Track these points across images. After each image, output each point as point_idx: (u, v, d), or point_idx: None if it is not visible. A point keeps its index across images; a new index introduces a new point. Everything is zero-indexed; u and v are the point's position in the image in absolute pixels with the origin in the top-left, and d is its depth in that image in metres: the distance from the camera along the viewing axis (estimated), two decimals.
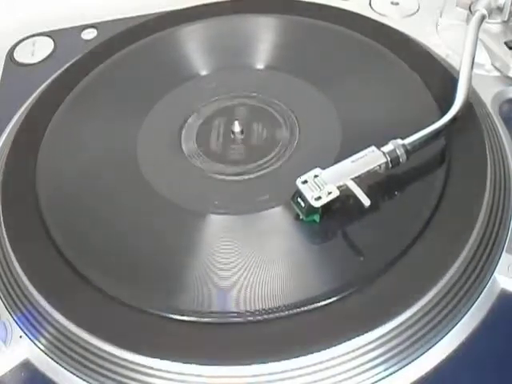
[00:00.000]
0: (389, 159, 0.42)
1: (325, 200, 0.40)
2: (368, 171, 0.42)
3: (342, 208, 0.42)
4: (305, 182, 0.41)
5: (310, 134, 0.49)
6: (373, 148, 0.43)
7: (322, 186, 0.41)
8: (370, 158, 0.42)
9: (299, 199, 0.41)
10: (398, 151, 0.42)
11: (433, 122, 0.44)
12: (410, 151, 0.42)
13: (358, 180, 0.41)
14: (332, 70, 0.53)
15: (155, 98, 0.53)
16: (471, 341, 0.37)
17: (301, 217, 0.42)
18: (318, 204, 0.40)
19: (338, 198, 0.41)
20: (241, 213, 0.44)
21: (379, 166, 0.42)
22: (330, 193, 0.41)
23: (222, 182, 0.47)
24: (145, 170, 0.47)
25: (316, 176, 0.41)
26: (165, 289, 0.40)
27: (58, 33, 0.63)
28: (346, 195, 0.41)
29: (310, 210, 0.41)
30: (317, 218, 0.42)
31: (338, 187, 0.41)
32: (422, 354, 0.37)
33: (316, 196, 0.40)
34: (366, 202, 0.40)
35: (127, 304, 0.39)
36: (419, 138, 0.43)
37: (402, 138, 0.43)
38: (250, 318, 0.38)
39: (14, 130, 0.52)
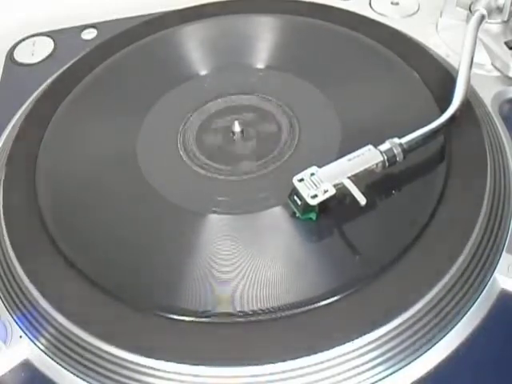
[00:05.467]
0: (385, 158, 0.42)
1: (321, 198, 0.40)
2: (365, 170, 0.42)
3: (340, 207, 0.42)
4: (301, 180, 0.41)
5: (310, 133, 0.49)
6: (370, 147, 0.43)
7: (318, 184, 0.41)
8: (367, 157, 0.42)
9: (296, 197, 0.41)
10: (394, 150, 0.42)
11: (431, 122, 0.44)
12: (406, 150, 0.43)
13: (355, 178, 0.41)
14: (332, 70, 0.53)
15: (155, 98, 0.53)
16: (471, 341, 0.37)
17: (297, 215, 0.42)
18: (314, 202, 0.40)
19: (335, 196, 0.41)
20: (241, 212, 0.44)
21: (376, 164, 0.42)
22: (326, 191, 0.41)
23: (222, 181, 0.47)
24: (145, 170, 0.47)
25: (312, 174, 0.41)
26: (165, 289, 0.40)
27: (58, 33, 0.63)
28: (343, 194, 0.41)
29: (307, 207, 0.41)
30: (313, 216, 0.42)
31: (335, 185, 0.41)
32: (421, 354, 0.37)
33: (312, 194, 0.40)
34: (362, 200, 0.40)
35: (127, 304, 0.39)
36: (416, 137, 0.43)
37: (400, 138, 0.43)
38: (250, 318, 0.38)
39: (14, 130, 0.52)
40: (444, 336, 0.37)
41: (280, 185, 0.44)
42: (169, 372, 0.36)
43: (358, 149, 0.43)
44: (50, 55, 0.61)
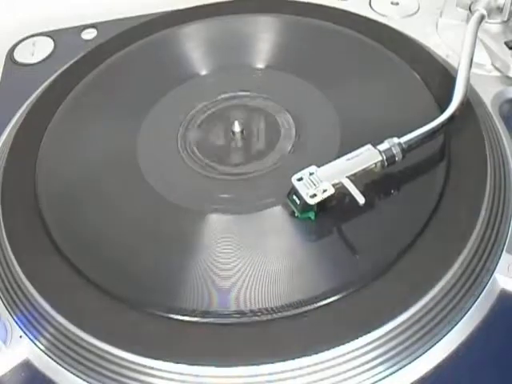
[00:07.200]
0: (384, 157, 0.42)
1: (320, 197, 0.40)
2: (364, 169, 0.42)
3: (339, 206, 0.42)
4: (300, 179, 0.41)
5: (310, 133, 0.49)
6: (369, 146, 0.43)
7: (317, 183, 0.41)
8: (366, 156, 0.42)
9: (294, 196, 0.41)
10: (393, 150, 0.42)
11: (431, 122, 0.44)
12: (405, 150, 0.42)
13: (354, 178, 0.41)
14: (332, 70, 0.53)
15: (155, 98, 0.53)
16: (471, 341, 0.37)
17: (296, 214, 0.42)
18: (312, 201, 0.40)
19: (334, 196, 0.41)
20: (241, 212, 0.44)
21: (375, 164, 0.42)
22: (325, 190, 0.41)
23: (221, 181, 0.47)
24: (145, 170, 0.47)
25: (311, 173, 0.41)
26: (165, 289, 0.40)
27: (58, 33, 0.63)
28: (342, 193, 0.41)
29: (305, 207, 0.41)
30: (312, 215, 0.42)
31: (334, 185, 0.41)
32: (421, 354, 0.37)
33: (311, 193, 0.40)
34: (361, 200, 0.40)
35: (127, 304, 0.39)
36: (415, 137, 0.43)
37: (399, 137, 0.43)
38: (250, 318, 0.38)
39: (14, 129, 0.52)
40: (444, 336, 0.37)
41: (279, 184, 0.44)
42: (169, 372, 0.36)
43: (357, 148, 0.43)
44: (50, 55, 0.61)
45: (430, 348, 0.37)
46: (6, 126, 0.53)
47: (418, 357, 0.36)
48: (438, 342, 0.37)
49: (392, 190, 0.44)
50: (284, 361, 0.35)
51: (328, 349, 0.36)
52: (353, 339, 0.36)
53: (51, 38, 0.62)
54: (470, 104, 0.47)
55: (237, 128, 0.49)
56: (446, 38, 0.57)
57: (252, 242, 0.42)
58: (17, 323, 0.40)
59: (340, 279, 0.39)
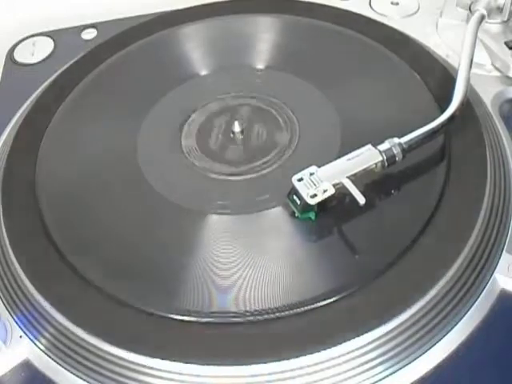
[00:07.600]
0: (385, 158, 0.42)
1: (320, 198, 0.40)
2: (364, 169, 0.42)
3: (340, 207, 0.42)
4: (300, 179, 0.41)
5: (310, 133, 0.49)
6: (369, 146, 0.43)
7: (317, 183, 0.41)
8: (366, 157, 0.42)
9: (295, 196, 0.41)
10: (394, 150, 0.42)
11: (431, 122, 0.44)
12: (406, 150, 0.42)
13: (354, 178, 0.41)
14: (332, 70, 0.53)
15: (155, 98, 0.53)
16: (471, 341, 0.37)
17: (296, 214, 0.42)
18: (313, 201, 0.40)
19: (334, 196, 0.41)
20: (241, 213, 0.44)
21: (375, 164, 0.42)
22: (325, 190, 0.41)
23: (222, 181, 0.47)
24: (145, 170, 0.47)
25: (312, 174, 0.41)
26: (165, 289, 0.40)
27: (58, 33, 0.63)
28: (342, 193, 0.41)
29: (306, 207, 0.41)
30: (312, 215, 0.42)
31: (334, 185, 0.41)
32: (421, 354, 0.37)
33: (311, 193, 0.40)
34: (361, 200, 0.40)
35: (127, 304, 0.39)
36: (416, 137, 0.43)
37: (399, 137, 0.43)
38: (250, 318, 0.38)
39: (13, 130, 0.52)
40: (444, 336, 0.37)
41: (280, 185, 0.44)
42: (169, 372, 0.36)
43: (357, 148, 0.43)
44: (50, 55, 0.61)
45: (430, 348, 0.37)
46: (6, 126, 0.53)
47: (418, 357, 0.36)
48: (438, 341, 0.37)
49: (392, 190, 0.44)
50: (284, 360, 0.35)
51: (328, 348, 0.36)
52: (353, 339, 0.36)
53: (51, 38, 0.62)
54: (470, 104, 0.47)
55: (237, 128, 0.49)
56: (446, 38, 0.57)
57: (252, 243, 0.42)
58: (17, 323, 0.40)
59: (340, 279, 0.39)
